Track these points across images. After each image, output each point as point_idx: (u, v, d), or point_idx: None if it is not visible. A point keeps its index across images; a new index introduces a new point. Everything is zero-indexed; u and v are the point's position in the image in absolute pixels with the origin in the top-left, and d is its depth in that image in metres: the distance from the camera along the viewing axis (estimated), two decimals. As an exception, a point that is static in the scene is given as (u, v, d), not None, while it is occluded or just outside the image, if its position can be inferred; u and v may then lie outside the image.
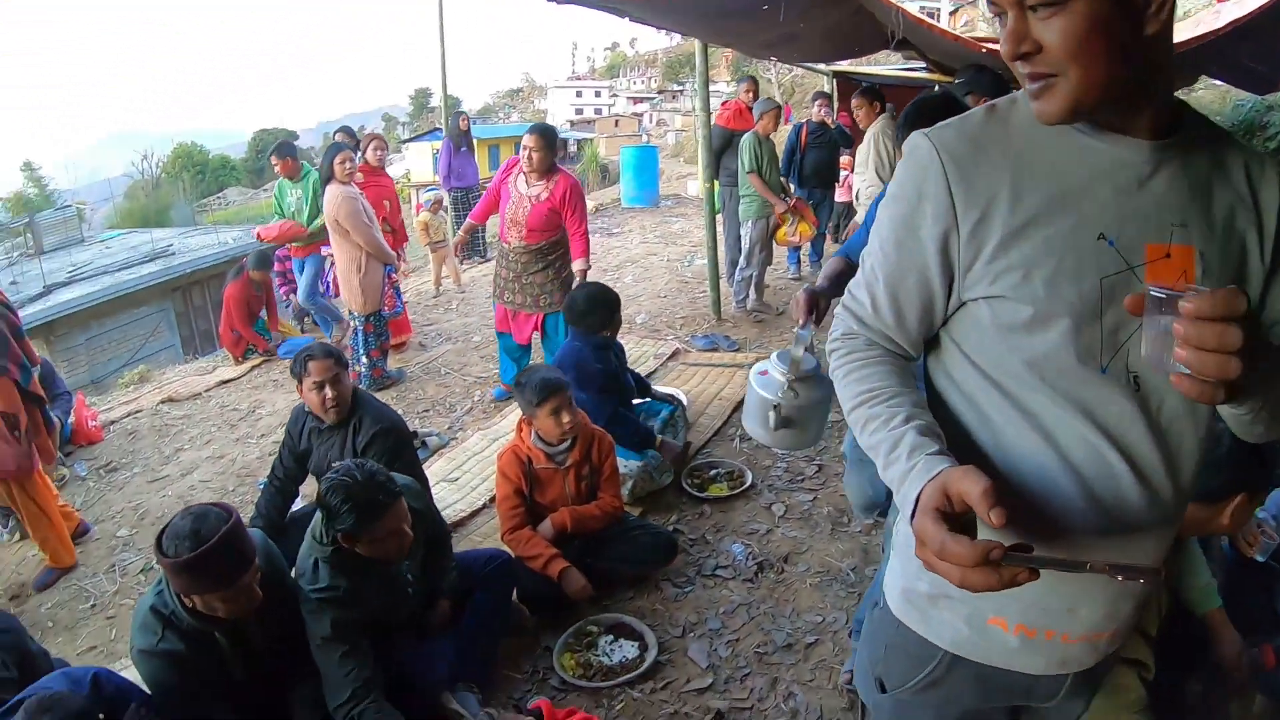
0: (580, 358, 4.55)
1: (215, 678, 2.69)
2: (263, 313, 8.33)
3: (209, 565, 2.46)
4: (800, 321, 2.58)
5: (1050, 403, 1.27)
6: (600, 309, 4.79)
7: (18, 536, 5.33)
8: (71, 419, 6.63)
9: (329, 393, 3.75)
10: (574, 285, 5.77)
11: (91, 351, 16.22)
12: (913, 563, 1.31)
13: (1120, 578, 1.06)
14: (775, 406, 2.43)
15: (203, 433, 6.69)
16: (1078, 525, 1.29)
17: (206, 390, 7.58)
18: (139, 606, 2.73)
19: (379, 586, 3.00)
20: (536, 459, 3.81)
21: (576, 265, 5.84)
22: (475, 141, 11.92)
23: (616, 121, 54.78)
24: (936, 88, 7.40)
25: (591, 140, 39.14)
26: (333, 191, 6.41)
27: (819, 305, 2.65)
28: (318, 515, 2.93)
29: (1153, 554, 1.36)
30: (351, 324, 6.72)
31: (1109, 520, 1.29)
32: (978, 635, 1.43)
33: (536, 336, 6.13)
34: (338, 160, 6.47)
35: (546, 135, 5.75)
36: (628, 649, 3.56)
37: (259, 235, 8.07)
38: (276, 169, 7.64)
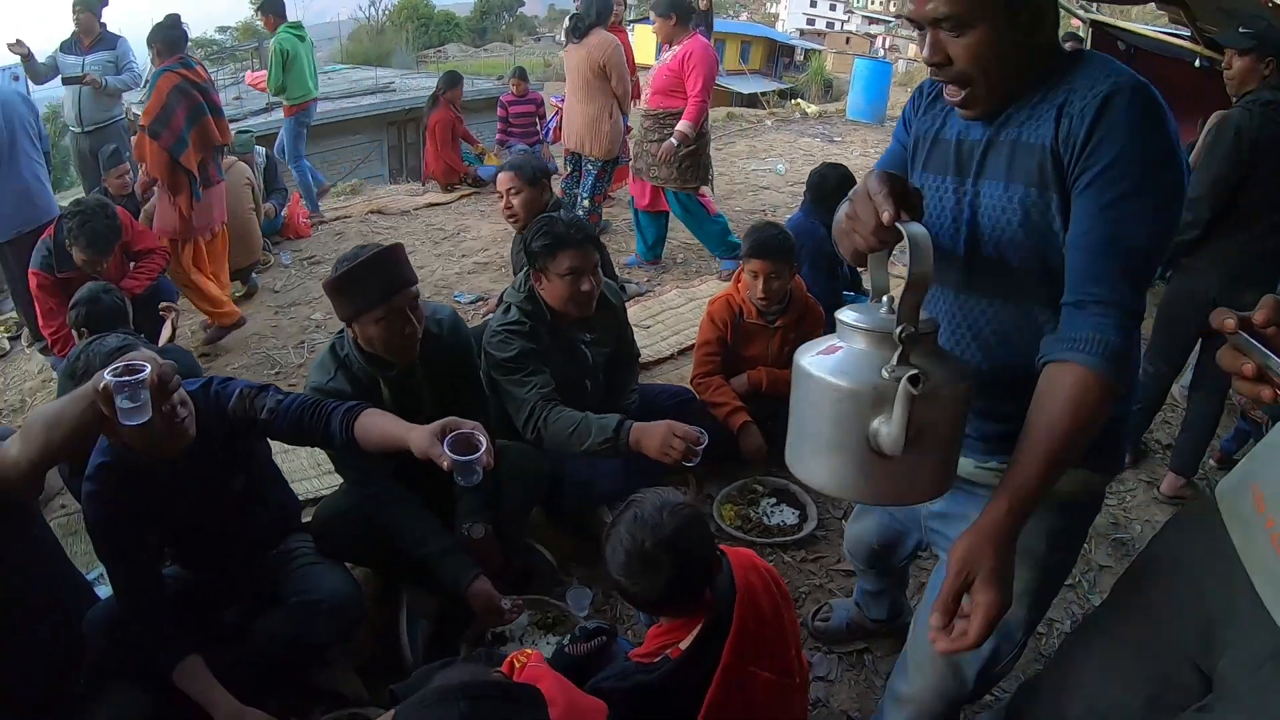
0: (820, 236, 4.43)
1: None
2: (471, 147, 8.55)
3: (363, 277, 2.52)
4: (885, 214, 1.33)
5: None
6: (847, 190, 4.63)
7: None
8: (284, 213, 7.05)
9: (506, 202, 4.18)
10: (675, 146, 5.86)
11: (304, 168, 17.01)
12: None
13: None
14: (878, 403, 1.30)
15: (406, 244, 6.81)
16: None
17: (415, 209, 7.87)
18: (321, 350, 2.85)
19: (563, 351, 3.13)
20: (748, 312, 3.74)
21: (680, 126, 5.83)
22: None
23: (848, 39, 52.99)
24: (1197, 61, 6.67)
25: (820, 53, 38.05)
26: (604, 37, 6.29)
27: (908, 194, 1.37)
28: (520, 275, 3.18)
29: None
30: (588, 167, 6.71)
31: None
32: (1237, 488, 1.44)
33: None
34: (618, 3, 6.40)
35: (661, 8, 5.82)
36: (788, 515, 3.51)
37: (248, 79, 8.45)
38: (261, 24, 7.79)
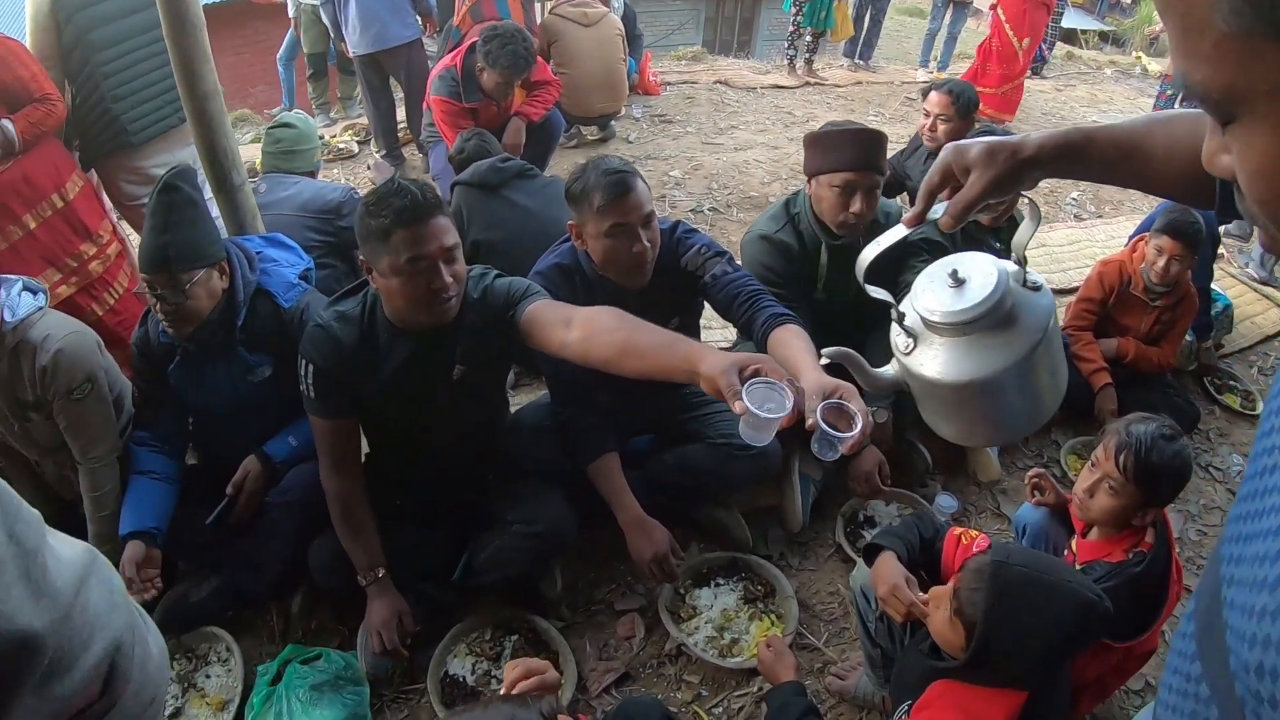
0: (1210, 218, 4.31)
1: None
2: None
3: (845, 142, 2.81)
4: None
5: None
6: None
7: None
8: (636, 70, 7.26)
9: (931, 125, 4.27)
10: None
11: (620, 25, 17.23)
12: None
13: None
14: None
15: (756, 121, 7.11)
16: None
17: (760, 87, 7.96)
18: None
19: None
20: (1135, 283, 3.75)
21: None
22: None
23: None
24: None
25: None
26: None
27: None
28: None
29: None
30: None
31: None
32: None
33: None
34: None
35: None
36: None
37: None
38: None
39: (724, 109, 7.31)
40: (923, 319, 1.34)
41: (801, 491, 2.98)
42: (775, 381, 1.66)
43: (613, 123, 6.55)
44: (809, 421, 1.68)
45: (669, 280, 2.66)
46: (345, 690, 2.49)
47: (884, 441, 2.99)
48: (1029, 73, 8.26)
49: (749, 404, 1.62)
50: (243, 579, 2.74)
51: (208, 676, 2.67)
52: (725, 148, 6.41)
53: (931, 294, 1.33)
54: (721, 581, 2.77)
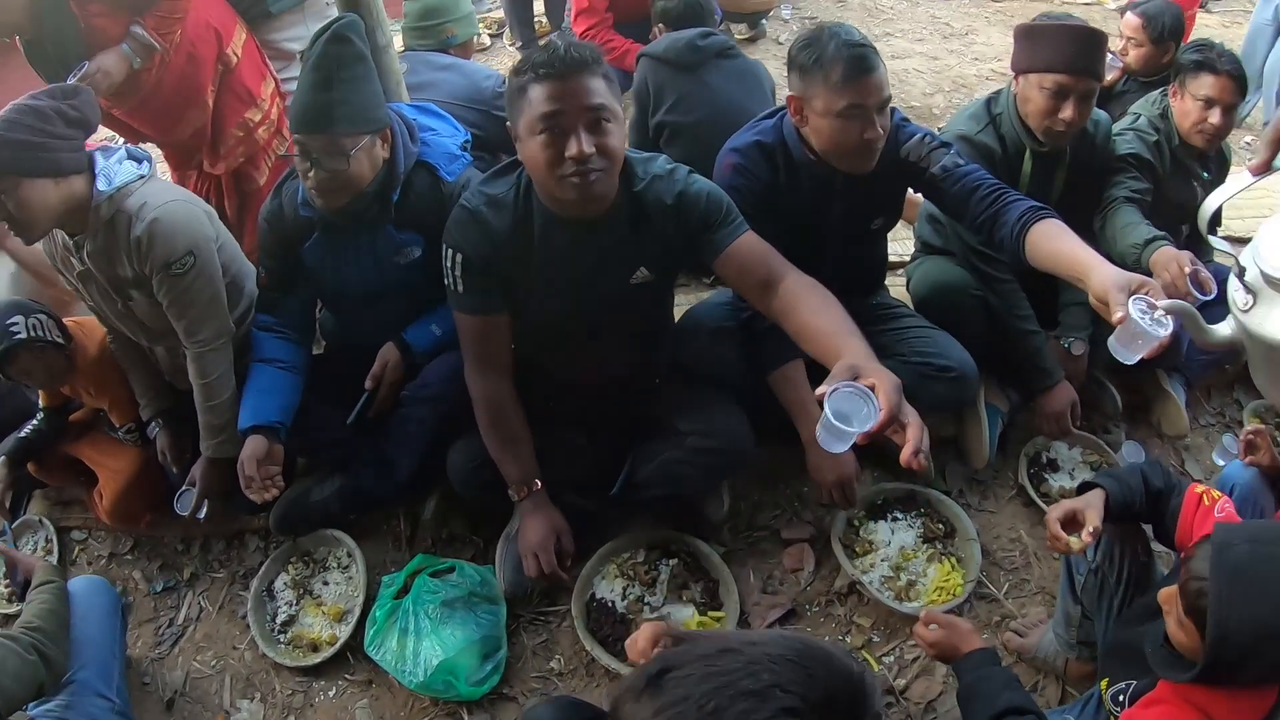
0: None
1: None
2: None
3: (1062, 38, 2.43)
4: None
5: None
6: None
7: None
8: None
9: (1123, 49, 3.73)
10: None
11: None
12: None
13: None
14: None
15: (912, 30, 6.64)
16: None
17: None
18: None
19: None
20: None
21: None
22: None
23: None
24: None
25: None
26: None
27: None
28: None
29: None
30: None
31: None
32: None
33: None
34: None
35: None
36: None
37: None
38: None
39: (877, 15, 6.84)
40: (1264, 275, 1.30)
41: (989, 424, 2.66)
42: (868, 391, 1.57)
43: (763, 21, 6.14)
44: (1117, 315, 1.58)
45: (883, 171, 2.32)
46: (479, 608, 2.30)
47: (1076, 377, 2.64)
48: (1195, 5, 7.60)
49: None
50: (371, 479, 2.54)
51: (325, 584, 2.54)
52: (882, 55, 5.95)
53: (1277, 247, 1.29)
54: (899, 516, 2.48)
